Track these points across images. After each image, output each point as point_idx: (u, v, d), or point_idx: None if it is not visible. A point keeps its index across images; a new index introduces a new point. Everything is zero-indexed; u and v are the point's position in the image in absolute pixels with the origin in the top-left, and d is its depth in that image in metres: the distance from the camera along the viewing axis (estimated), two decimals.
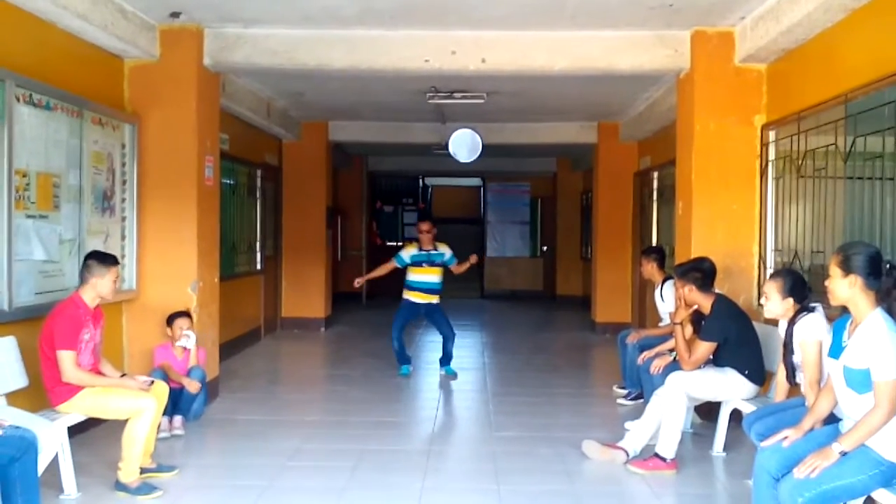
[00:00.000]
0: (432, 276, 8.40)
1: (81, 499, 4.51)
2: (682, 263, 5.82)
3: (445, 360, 8.51)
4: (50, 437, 4.10)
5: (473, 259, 8.59)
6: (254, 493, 4.65)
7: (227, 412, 6.68)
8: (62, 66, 5.63)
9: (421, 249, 8.41)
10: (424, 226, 8.51)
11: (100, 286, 4.67)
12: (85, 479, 4.69)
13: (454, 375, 8.32)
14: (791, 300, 4.56)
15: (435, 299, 8.45)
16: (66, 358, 4.47)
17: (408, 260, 8.40)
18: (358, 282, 8.85)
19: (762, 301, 4.72)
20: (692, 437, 5.91)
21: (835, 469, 3.33)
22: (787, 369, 4.65)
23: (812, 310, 4.46)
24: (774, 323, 5.82)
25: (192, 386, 5.99)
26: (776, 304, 4.61)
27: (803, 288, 4.62)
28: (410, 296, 8.44)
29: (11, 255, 4.88)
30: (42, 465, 3.88)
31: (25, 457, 3.52)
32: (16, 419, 3.93)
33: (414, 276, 8.42)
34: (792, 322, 4.53)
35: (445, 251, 8.48)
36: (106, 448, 5.10)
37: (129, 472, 4.56)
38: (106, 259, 4.77)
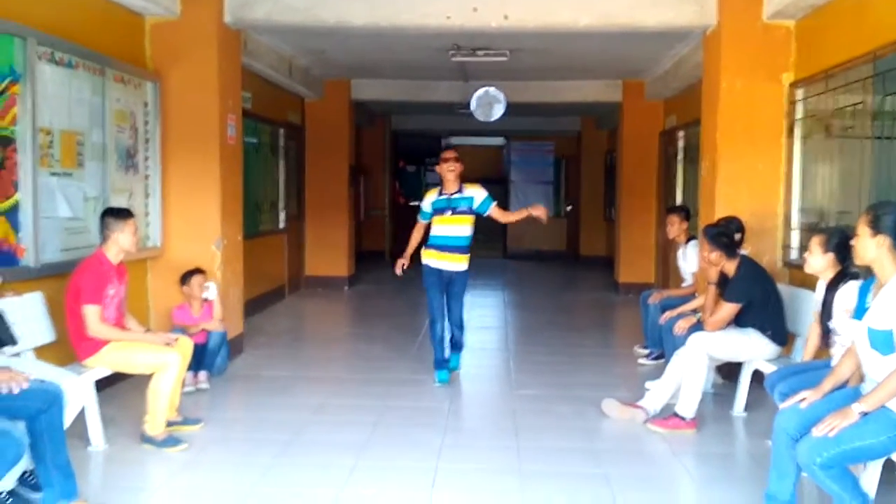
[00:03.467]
0: (456, 227, 6.30)
1: (109, 451, 4.62)
2: (711, 225, 5.75)
3: (454, 346, 6.63)
4: (76, 390, 4.18)
5: (539, 212, 6.36)
6: (277, 446, 4.73)
7: (252, 368, 6.77)
8: (83, 24, 5.63)
9: (441, 193, 6.42)
10: (448, 153, 6.42)
11: (121, 240, 4.71)
12: (112, 431, 4.79)
13: (455, 368, 6.66)
14: (832, 256, 4.48)
15: (460, 262, 6.36)
16: (91, 312, 4.54)
17: (429, 210, 6.45)
18: (402, 267, 6.50)
19: (805, 255, 4.65)
20: (713, 398, 5.91)
21: (854, 430, 3.32)
22: (821, 331, 4.59)
23: (856, 276, 4.36)
24: (800, 284, 5.79)
25: (214, 324, 6.14)
26: (818, 259, 4.54)
27: (847, 247, 4.52)
28: (428, 257, 6.39)
29: (37, 212, 4.94)
30: (69, 418, 3.96)
31: (52, 409, 3.59)
32: (43, 373, 4.01)
33: (434, 228, 6.44)
34: (833, 286, 4.45)
35: (475, 193, 6.34)
36: (133, 402, 5.19)
37: (155, 426, 4.65)
38: (121, 213, 4.81)
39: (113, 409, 5.16)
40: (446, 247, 6.33)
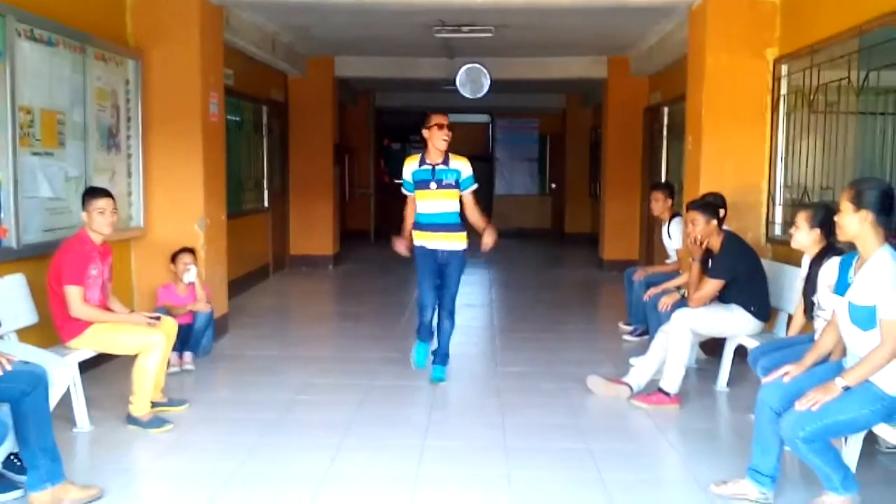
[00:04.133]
0: (442, 202, 5.61)
1: (94, 432, 4.60)
2: (697, 199, 5.76)
3: (439, 356, 5.87)
4: (61, 371, 4.15)
5: (488, 240, 5.68)
6: (262, 425, 4.73)
7: (237, 348, 6.76)
8: (63, 1, 5.53)
9: (424, 162, 5.67)
10: (441, 118, 5.59)
11: (89, 219, 4.64)
12: (97, 413, 4.77)
13: (441, 380, 5.78)
14: (819, 232, 4.48)
15: (456, 241, 5.69)
16: (73, 293, 4.51)
17: (411, 181, 5.73)
18: (402, 247, 5.82)
19: (791, 231, 4.66)
20: (696, 373, 5.96)
21: (836, 403, 3.35)
22: (805, 305, 4.62)
23: (841, 252, 4.37)
24: (784, 260, 5.83)
25: (199, 305, 6.08)
26: (804, 235, 4.54)
27: (833, 222, 4.54)
28: (420, 238, 5.73)
29: (18, 192, 4.88)
30: (54, 400, 3.94)
31: (36, 391, 3.56)
32: (26, 355, 3.98)
33: (419, 204, 5.71)
34: (818, 260, 4.47)
35: (461, 167, 5.63)
36: (117, 383, 5.18)
37: (140, 407, 4.64)
38: (91, 192, 4.76)
39: (98, 390, 5.14)
40: (436, 225, 5.65)
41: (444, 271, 5.71)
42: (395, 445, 4.46)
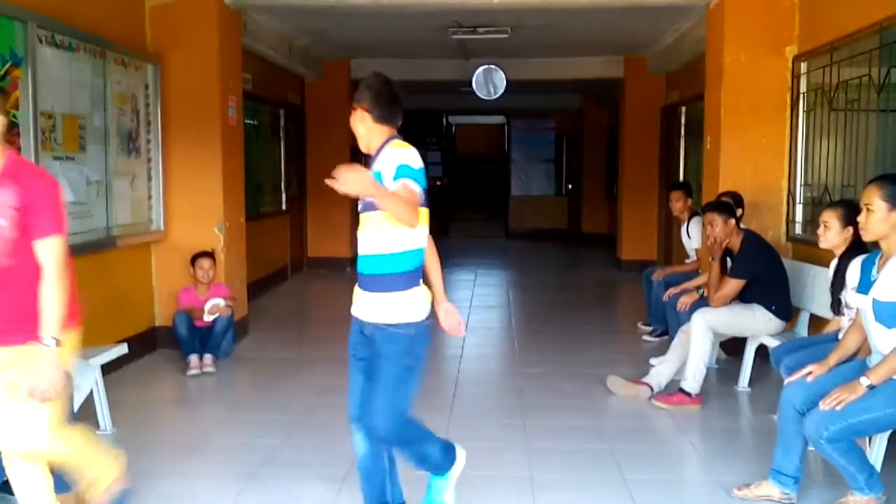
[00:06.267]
0: (366, 233, 3.21)
1: (117, 434, 4.62)
2: (712, 200, 5.72)
3: None
4: (84, 374, 4.18)
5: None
6: (284, 427, 4.75)
7: (257, 350, 6.79)
8: (83, 7, 5.58)
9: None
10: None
11: None
12: (120, 414, 4.79)
13: None
14: (851, 230, 4.43)
15: (384, 308, 3.19)
16: None
17: None
18: None
19: (819, 231, 4.61)
20: (717, 373, 5.93)
21: (861, 402, 3.32)
22: (832, 302, 4.57)
23: (868, 249, 4.30)
24: (804, 259, 5.79)
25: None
26: (835, 234, 4.48)
27: None
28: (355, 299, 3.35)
29: None
30: (78, 402, 3.97)
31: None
32: None
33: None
34: (847, 256, 4.42)
35: (385, 163, 3.10)
36: (137, 386, 5.21)
37: None
38: None
39: (120, 392, 5.16)
40: (361, 278, 3.30)
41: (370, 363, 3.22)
42: None
